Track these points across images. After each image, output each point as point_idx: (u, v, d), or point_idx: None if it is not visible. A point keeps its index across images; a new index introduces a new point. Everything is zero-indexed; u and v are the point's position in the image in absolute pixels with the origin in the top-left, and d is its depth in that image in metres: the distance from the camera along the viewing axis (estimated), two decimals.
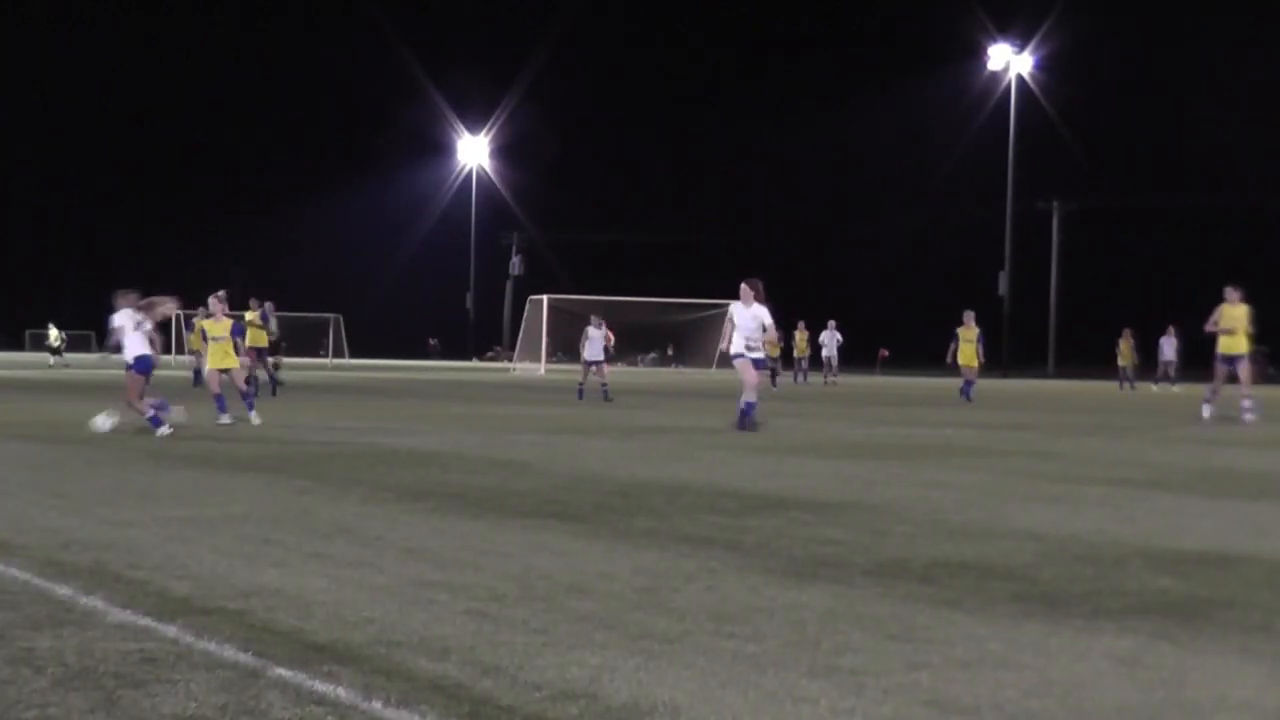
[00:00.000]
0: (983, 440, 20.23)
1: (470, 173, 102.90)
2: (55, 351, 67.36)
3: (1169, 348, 49.30)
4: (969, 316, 36.18)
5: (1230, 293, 25.28)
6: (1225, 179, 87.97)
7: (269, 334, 33.96)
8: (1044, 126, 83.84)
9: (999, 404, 33.70)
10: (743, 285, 21.49)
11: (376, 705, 5.13)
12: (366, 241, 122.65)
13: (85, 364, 64.03)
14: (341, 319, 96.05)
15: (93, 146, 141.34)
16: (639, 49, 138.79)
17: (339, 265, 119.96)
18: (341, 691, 5.31)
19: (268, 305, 34.83)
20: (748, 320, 21.27)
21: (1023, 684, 5.57)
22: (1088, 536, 9.82)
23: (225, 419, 21.13)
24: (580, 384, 35.09)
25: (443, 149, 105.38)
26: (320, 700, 5.20)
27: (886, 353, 70.19)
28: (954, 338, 36.32)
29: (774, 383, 40.78)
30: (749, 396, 20.90)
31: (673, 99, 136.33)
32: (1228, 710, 5.27)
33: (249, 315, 32.45)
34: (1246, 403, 25.11)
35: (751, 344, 21.22)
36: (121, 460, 14.89)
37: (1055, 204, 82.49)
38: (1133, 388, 49.33)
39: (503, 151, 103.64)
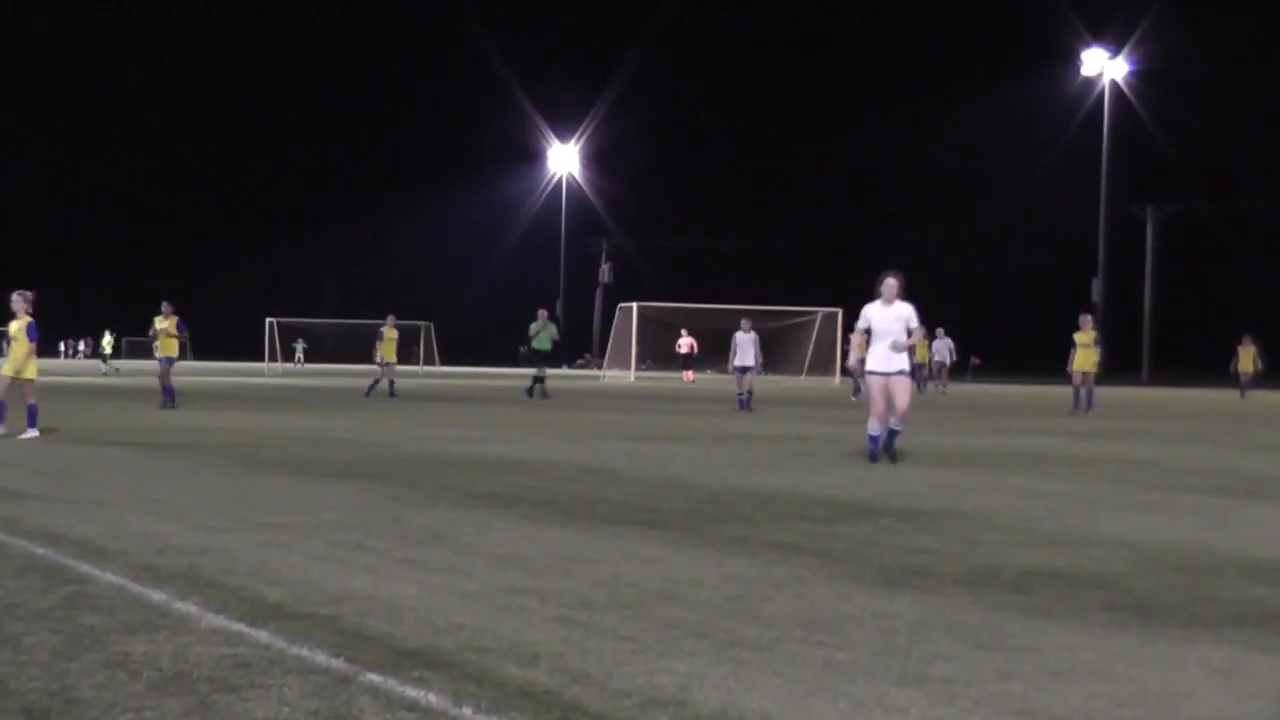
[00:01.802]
0: (1075, 448, 20.04)
1: (560, 181, 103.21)
2: (105, 358, 68.38)
3: None
4: (1086, 320, 33.98)
5: None
6: None
7: (181, 341, 32.06)
8: (1138, 131, 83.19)
9: (1093, 412, 33.32)
10: (887, 279, 17.08)
11: (466, 711, 5.15)
12: (458, 250, 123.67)
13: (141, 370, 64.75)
14: (432, 327, 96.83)
15: (192, 154, 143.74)
16: (729, 55, 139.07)
17: (430, 274, 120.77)
18: (432, 698, 5.33)
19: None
20: (890, 322, 16.85)
21: (1115, 694, 5.52)
22: (1182, 545, 9.71)
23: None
24: (739, 394, 32.96)
25: (533, 157, 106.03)
26: (411, 706, 5.22)
27: (978, 360, 69.74)
28: (1071, 344, 33.67)
29: (921, 388, 39.97)
30: (874, 427, 16.79)
31: (763, 104, 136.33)
32: None
33: (162, 323, 30.46)
34: None
35: (897, 350, 16.71)
36: (216, 466, 15.04)
37: (1149, 209, 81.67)
38: (1242, 395, 48.54)
39: (593, 159, 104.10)
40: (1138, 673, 5.87)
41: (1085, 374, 32.92)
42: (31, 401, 19.19)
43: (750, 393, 32.83)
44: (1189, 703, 5.42)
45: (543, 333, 37.98)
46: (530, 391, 37.40)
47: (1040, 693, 5.52)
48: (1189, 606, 7.37)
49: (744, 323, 34.26)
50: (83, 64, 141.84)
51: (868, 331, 17.15)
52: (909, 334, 16.92)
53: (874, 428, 16.78)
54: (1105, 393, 32.39)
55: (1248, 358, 49.71)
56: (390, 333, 39.19)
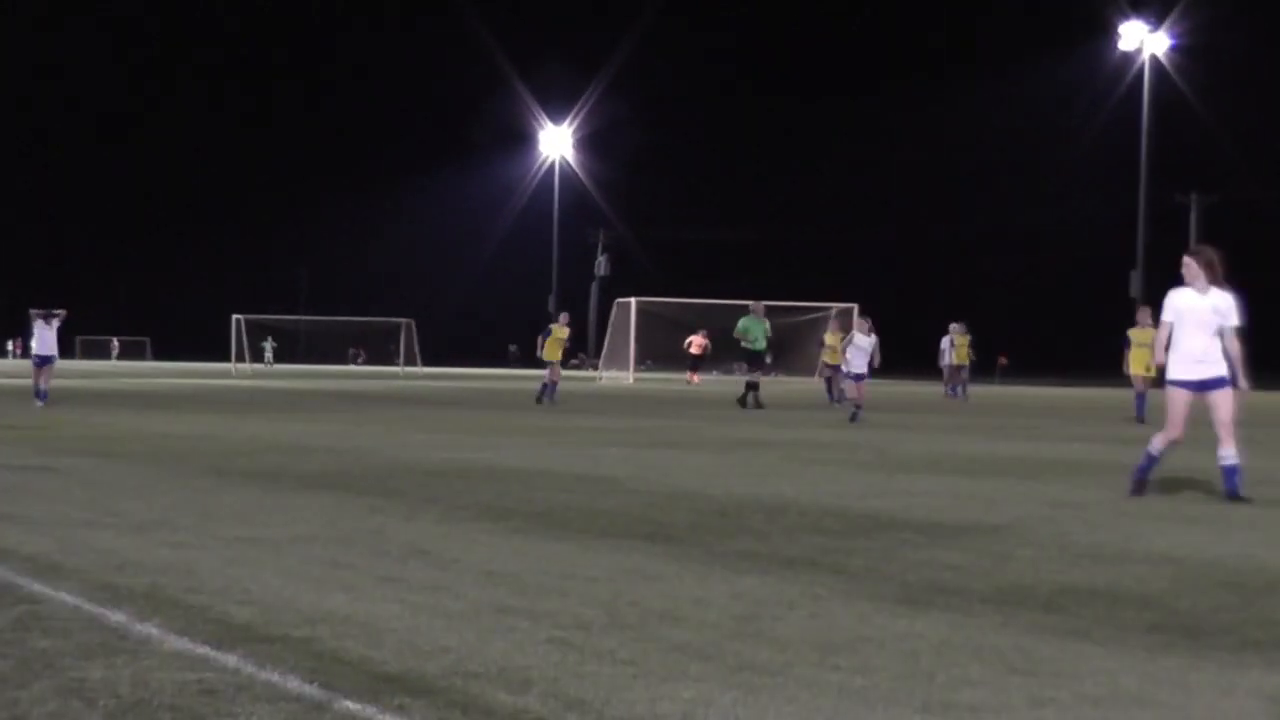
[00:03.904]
0: (1114, 455, 20.03)
1: (553, 165, 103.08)
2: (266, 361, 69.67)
3: None
4: (1144, 314, 31.40)
5: None
6: None
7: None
8: (1181, 111, 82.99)
9: (1127, 417, 33.26)
10: (1190, 260, 13.97)
11: None
12: (442, 242, 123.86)
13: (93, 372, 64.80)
14: (414, 324, 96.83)
15: (171, 146, 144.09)
16: (734, 35, 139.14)
17: (413, 267, 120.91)
18: None
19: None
20: (1205, 315, 13.71)
21: None
22: (1232, 562, 9.71)
23: None
24: (854, 405, 30.63)
25: (523, 140, 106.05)
26: None
27: (1005, 360, 69.81)
28: (1126, 342, 31.98)
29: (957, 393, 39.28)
30: (1157, 446, 14.24)
31: (772, 86, 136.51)
32: None
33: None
34: None
35: (1207, 357, 13.66)
36: (180, 476, 15.06)
37: (1194, 197, 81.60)
38: None
39: (587, 142, 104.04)
40: (1184, 700, 5.87)
41: (1145, 377, 30.83)
42: None
43: (848, 399, 31.42)
44: None
45: (755, 330, 36.86)
46: (743, 401, 36.22)
47: (1076, 717, 5.52)
48: (1240, 628, 7.37)
49: (859, 322, 32.05)
50: (39, 41, 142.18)
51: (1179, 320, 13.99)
52: (1221, 334, 13.79)
53: (1158, 446, 14.21)
54: (1149, 395, 32.02)
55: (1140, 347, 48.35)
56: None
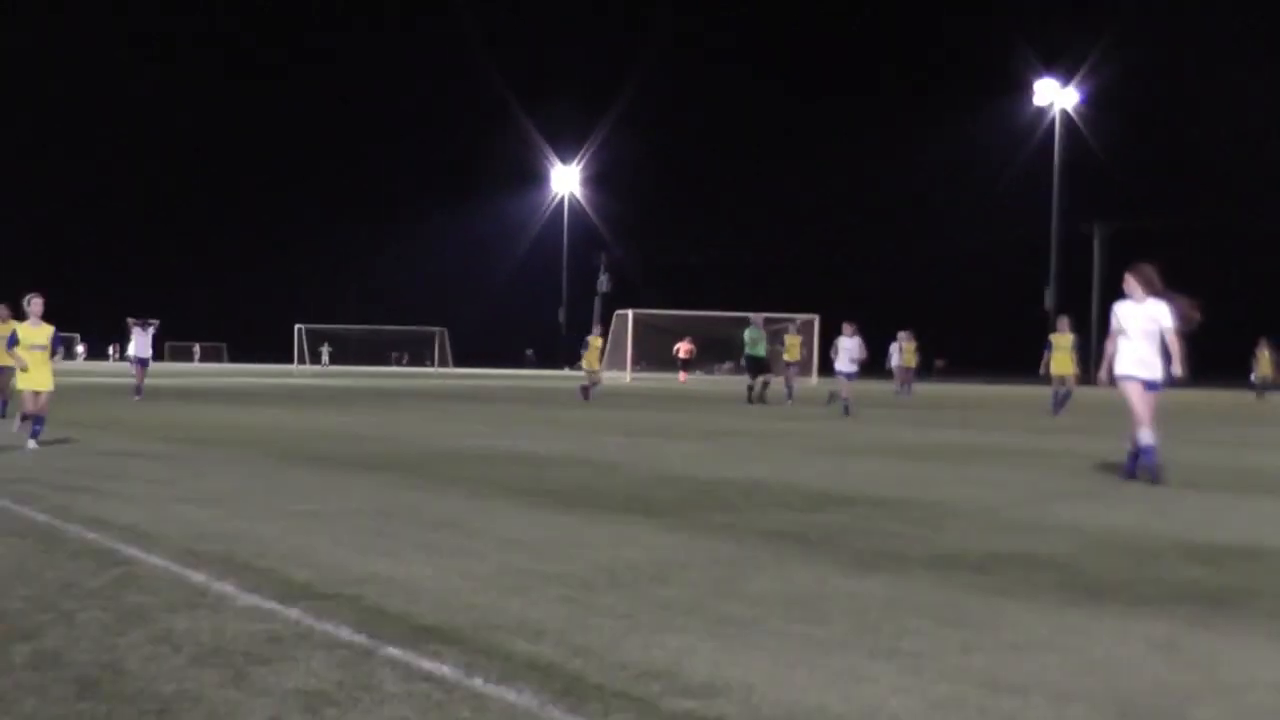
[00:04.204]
0: (1031, 443, 20.07)
1: (563, 200, 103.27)
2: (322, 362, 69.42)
3: None
4: (1064, 323, 31.93)
5: None
6: (1261, 199, 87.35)
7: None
8: (1087, 154, 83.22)
9: (1044, 410, 33.21)
10: (1130, 277, 13.83)
11: (478, 682, 5.16)
12: (470, 262, 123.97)
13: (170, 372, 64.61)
14: (446, 332, 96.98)
15: (224, 170, 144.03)
16: (716, 87, 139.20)
17: (445, 284, 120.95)
18: (446, 669, 5.35)
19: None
20: (1145, 323, 13.55)
21: (1067, 665, 5.54)
22: (1127, 530, 9.73)
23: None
24: (843, 399, 30.02)
25: (538, 178, 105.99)
26: (427, 677, 5.24)
27: (942, 362, 69.75)
28: (1047, 345, 31.55)
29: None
30: (1145, 437, 13.46)
31: (749, 133, 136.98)
32: (1259, 690, 5.21)
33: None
34: None
35: (1149, 360, 13.56)
36: (250, 460, 15.05)
37: (1096, 226, 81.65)
38: (1260, 397, 47.57)
39: (592, 179, 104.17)
40: (1087, 646, 5.89)
41: (1063, 376, 30.99)
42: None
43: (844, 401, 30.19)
44: (1133, 673, 5.44)
45: (755, 341, 36.46)
46: (750, 396, 35.66)
47: (999, 665, 5.53)
48: (1133, 585, 7.39)
49: (847, 327, 31.04)
50: (131, 88, 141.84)
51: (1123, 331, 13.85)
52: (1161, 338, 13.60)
53: (1146, 437, 13.44)
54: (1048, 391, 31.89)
55: (1266, 361, 48.42)
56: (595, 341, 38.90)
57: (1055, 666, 5.52)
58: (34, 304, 16.40)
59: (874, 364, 35.92)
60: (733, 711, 4.82)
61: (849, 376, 30.48)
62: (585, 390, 36.83)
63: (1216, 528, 9.95)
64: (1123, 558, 8.42)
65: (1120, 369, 13.68)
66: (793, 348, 40.62)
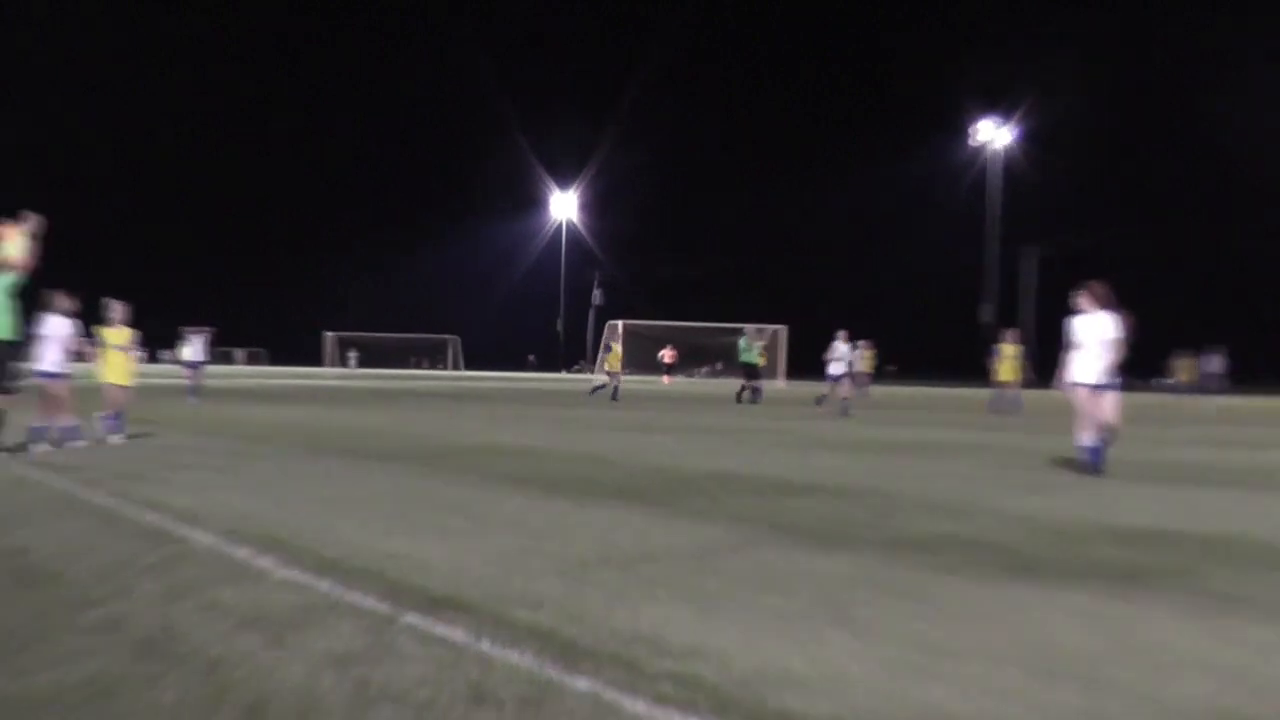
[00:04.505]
0: (975, 439, 20.11)
1: (561, 224, 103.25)
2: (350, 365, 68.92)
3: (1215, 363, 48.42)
4: (1011, 334, 32.00)
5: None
6: (1169, 223, 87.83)
7: None
8: (1022, 185, 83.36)
9: (989, 414, 33.29)
10: (1082, 294, 13.88)
11: (485, 645, 5.20)
12: (479, 278, 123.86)
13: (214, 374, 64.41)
14: (459, 340, 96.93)
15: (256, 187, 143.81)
16: (700, 125, 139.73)
17: (456, 295, 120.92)
18: (458, 634, 5.38)
19: None
20: (1095, 334, 13.69)
21: (1001, 632, 5.59)
22: (1061, 516, 9.78)
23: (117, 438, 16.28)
24: (842, 400, 29.91)
25: (539, 203, 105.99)
26: (441, 641, 5.27)
27: (894, 367, 69.74)
28: (995, 353, 32.01)
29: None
30: (1088, 438, 13.74)
31: (731, 162, 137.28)
32: (1168, 652, 5.27)
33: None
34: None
35: (1098, 365, 13.66)
36: (285, 452, 15.05)
37: (1028, 249, 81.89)
38: (1174, 395, 47.78)
39: (587, 204, 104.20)
40: (1020, 616, 5.95)
41: (1008, 381, 31.33)
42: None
43: (844, 403, 29.91)
44: (1061, 638, 5.49)
45: (748, 349, 36.58)
46: (739, 397, 35.63)
47: (942, 632, 5.59)
48: (1064, 564, 7.45)
49: (841, 334, 30.73)
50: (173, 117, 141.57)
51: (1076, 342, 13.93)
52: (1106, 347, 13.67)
53: (1089, 438, 13.74)
54: (1009, 395, 32.05)
55: (1185, 367, 47.97)
56: (617, 346, 38.83)
57: (991, 633, 5.58)
58: (114, 310, 16.58)
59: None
60: (709, 672, 4.87)
61: (837, 379, 30.45)
62: (613, 392, 36.94)
63: (1137, 514, 10.01)
64: (1053, 539, 8.48)
65: (1073, 376, 13.84)
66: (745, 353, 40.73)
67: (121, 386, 16.65)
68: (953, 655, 5.18)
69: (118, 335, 16.72)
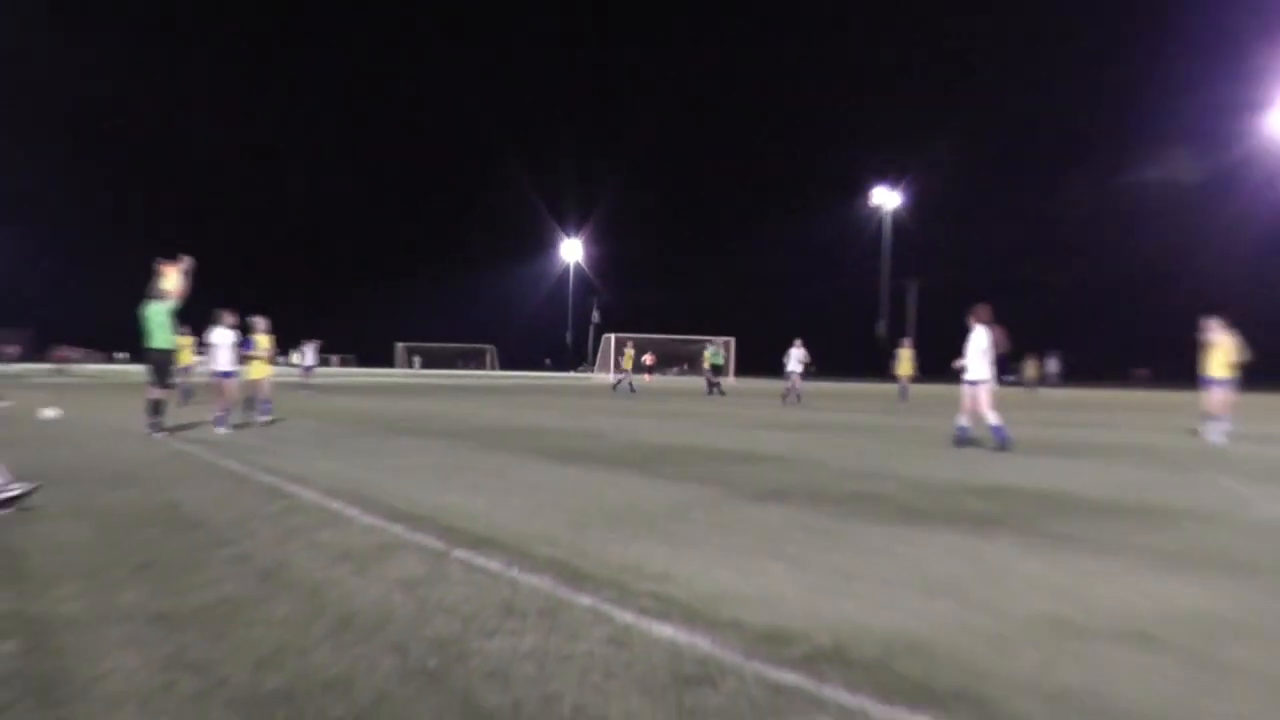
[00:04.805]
0: (876, 421, 20.16)
1: (569, 265, 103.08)
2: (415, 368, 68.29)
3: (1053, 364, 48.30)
4: (906, 342, 32.35)
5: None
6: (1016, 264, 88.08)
7: None
8: (907, 234, 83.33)
9: (888, 403, 33.38)
10: (974, 313, 13.70)
11: (514, 572, 5.24)
12: (510, 301, 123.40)
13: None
14: (495, 348, 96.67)
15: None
16: (674, 184, 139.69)
17: (492, 313, 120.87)
18: (494, 565, 5.43)
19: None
20: (982, 344, 13.61)
21: (894, 562, 5.65)
22: (944, 478, 9.82)
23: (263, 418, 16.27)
24: (795, 391, 30.61)
25: (551, 246, 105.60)
26: (481, 570, 5.32)
27: (814, 367, 69.67)
28: (896, 356, 32.37)
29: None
30: (967, 421, 13.86)
31: (693, 215, 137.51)
32: (1013, 576, 5.33)
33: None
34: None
35: (984, 366, 13.61)
36: (366, 431, 15.06)
37: (912, 281, 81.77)
38: (1018, 385, 47.82)
39: (589, 247, 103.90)
40: (906, 550, 6.01)
41: (906, 376, 31.79)
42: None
43: (799, 390, 30.36)
44: (935, 566, 5.55)
45: (715, 355, 37.08)
46: (710, 389, 35.38)
47: (850, 562, 5.64)
48: (941, 513, 7.51)
49: (797, 341, 31.07)
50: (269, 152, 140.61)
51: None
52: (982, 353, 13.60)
53: (962, 420, 13.82)
54: (886, 389, 32.22)
55: (1030, 367, 47.29)
56: (630, 350, 38.87)
57: (886, 564, 5.64)
58: (259, 323, 16.81)
59: (776, 367, 35.94)
60: (678, 592, 4.92)
61: (798, 375, 30.59)
62: (630, 385, 37.12)
63: (992, 476, 10.06)
64: (930, 494, 8.54)
65: (967, 376, 13.73)
66: (710, 358, 40.91)
67: (265, 381, 16.81)
68: (858, 579, 5.24)
69: (262, 341, 16.94)
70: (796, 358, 30.73)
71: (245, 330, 16.83)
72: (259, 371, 16.78)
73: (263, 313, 17.38)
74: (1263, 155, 53.28)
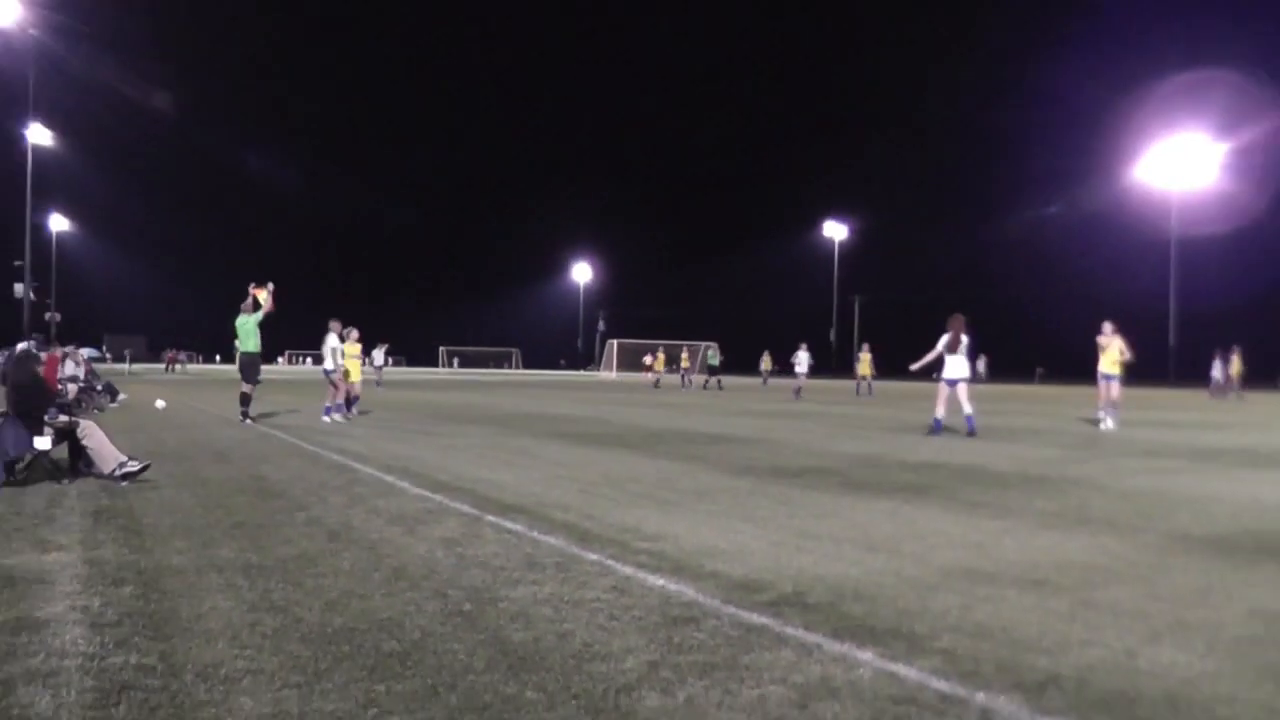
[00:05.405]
0: (835, 410, 20.15)
1: (580, 285, 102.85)
2: (455, 367, 67.19)
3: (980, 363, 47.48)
4: (865, 347, 30.75)
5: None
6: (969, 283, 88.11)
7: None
8: (851, 258, 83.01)
9: (841, 397, 33.33)
10: (951, 321, 12.71)
11: (535, 534, 5.23)
12: (532, 313, 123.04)
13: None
14: (519, 350, 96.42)
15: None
16: (662, 219, 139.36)
17: (516, 326, 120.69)
18: (519, 527, 5.41)
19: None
20: (956, 347, 12.69)
21: (842, 524, 5.64)
22: (874, 454, 9.82)
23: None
24: (798, 387, 29.25)
25: (565, 270, 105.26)
26: (508, 532, 5.30)
27: (778, 366, 69.38)
28: (857, 359, 30.93)
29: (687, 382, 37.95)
30: (942, 412, 12.69)
31: (687, 240, 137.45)
32: (937, 535, 5.32)
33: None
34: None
35: (960, 366, 12.77)
36: (417, 418, 15.05)
37: (858, 297, 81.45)
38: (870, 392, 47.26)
39: (595, 265, 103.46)
40: (851, 514, 6.00)
41: (865, 376, 30.50)
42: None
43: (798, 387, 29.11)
44: (874, 528, 5.54)
45: (714, 356, 36.58)
46: (705, 385, 34.78)
47: (808, 524, 5.63)
48: (882, 483, 7.49)
49: (803, 345, 29.88)
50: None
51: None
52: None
53: (940, 414, 12.65)
54: (843, 385, 32.07)
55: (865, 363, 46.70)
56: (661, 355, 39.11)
57: (836, 525, 5.63)
58: (352, 333, 16.05)
59: (751, 367, 36.22)
60: (670, 549, 4.91)
61: (805, 375, 30.12)
62: (656, 382, 37.18)
63: (921, 453, 10.04)
64: (871, 468, 8.51)
65: (944, 375, 12.81)
66: (687, 359, 40.83)
67: (357, 381, 16.41)
68: (813, 538, 5.23)
69: (353, 348, 16.34)
70: (804, 360, 30.43)
71: (343, 339, 16.51)
72: (356, 372, 16.40)
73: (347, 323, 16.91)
74: (1141, 189, 53.39)
